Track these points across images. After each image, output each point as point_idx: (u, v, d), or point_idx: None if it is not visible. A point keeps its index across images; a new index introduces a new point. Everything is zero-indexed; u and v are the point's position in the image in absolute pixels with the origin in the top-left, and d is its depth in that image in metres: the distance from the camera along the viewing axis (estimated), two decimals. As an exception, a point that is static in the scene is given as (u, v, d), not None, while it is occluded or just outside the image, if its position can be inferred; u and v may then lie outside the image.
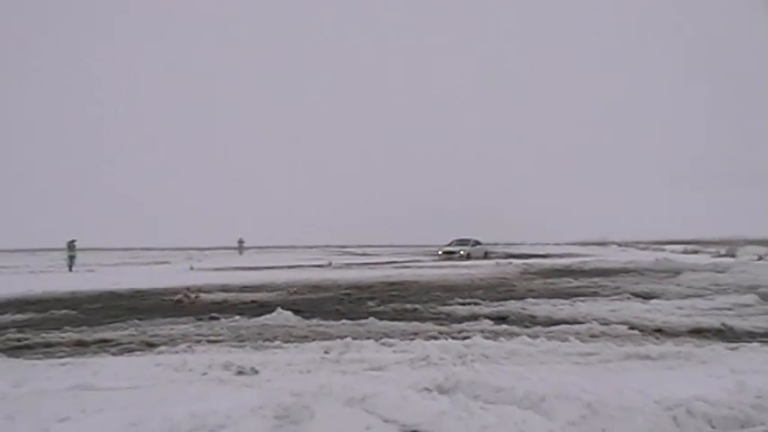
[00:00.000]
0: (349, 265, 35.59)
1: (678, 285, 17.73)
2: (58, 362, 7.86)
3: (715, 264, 26.69)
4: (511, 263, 35.03)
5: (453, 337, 9.14)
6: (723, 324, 10.34)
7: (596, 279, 21.10)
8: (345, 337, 9.06)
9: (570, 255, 50.04)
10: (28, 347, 9.51)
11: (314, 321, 11.31)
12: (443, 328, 10.27)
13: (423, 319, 11.59)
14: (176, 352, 8.51)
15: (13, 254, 77.55)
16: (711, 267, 23.91)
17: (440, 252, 46.14)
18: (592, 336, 9.42)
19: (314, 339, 9.44)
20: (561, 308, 12.99)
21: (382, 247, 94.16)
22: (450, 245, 46.59)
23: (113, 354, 8.74)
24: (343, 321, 11.17)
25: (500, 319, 11.55)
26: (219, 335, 10.17)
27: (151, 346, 9.28)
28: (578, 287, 18.38)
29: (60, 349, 9.29)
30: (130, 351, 8.96)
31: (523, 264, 33.03)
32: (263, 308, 13.29)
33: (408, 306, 13.96)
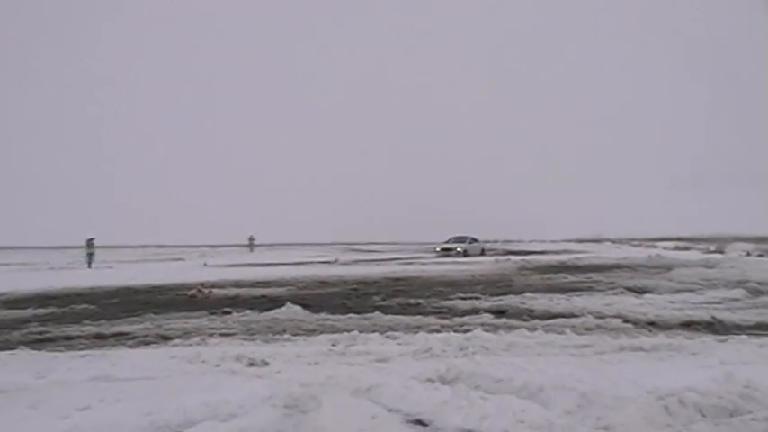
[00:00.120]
0: (355, 262, 35.63)
1: (670, 280, 17.71)
2: (78, 354, 7.88)
3: (705, 260, 26.62)
4: (509, 259, 35.03)
5: (455, 330, 9.14)
6: (713, 317, 10.33)
7: (591, 274, 21.07)
8: (352, 330, 9.08)
9: (566, 251, 50.00)
10: (49, 340, 9.54)
11: (322, 315, 11.33)
12: (445, 322, 10.28)
13: (426, 313, 11.59)
14: (190, 344, 8.52)
15: (31, 251, 77.68)
16: (702, 263, 23.84)
17: (438, 249, 46.01)
18: (587, 329, 9.42)
19: (322, 332, 9.46)
20: (558, 302, 12.99)
21: (387, 245, 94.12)
22: (447, 242, 46.46)
23: (130, 346, 8.77)
24: (350, 315, 11.19)
25: (499, 312, 11.54)
26: (231, 328, 10.18)
27: (166, 338, 9.30)
28: (574, 282, 18.36)
29: (80, 342, 9.32)
30: (146, 344, 8.98)
31: (521, 260, 33.01)
32: (273, 302, 13.30)
33: (412, 301, 13.97)
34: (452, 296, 14.66)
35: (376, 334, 8.84)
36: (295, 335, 9.26)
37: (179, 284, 19.37)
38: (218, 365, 6.88)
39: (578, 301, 13.00)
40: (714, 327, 9.68)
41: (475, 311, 11.58)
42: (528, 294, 14.49)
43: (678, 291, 15.12)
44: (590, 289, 16.05)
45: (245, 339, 9.02)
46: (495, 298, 14.02)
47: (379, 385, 5.66)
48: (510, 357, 6.92)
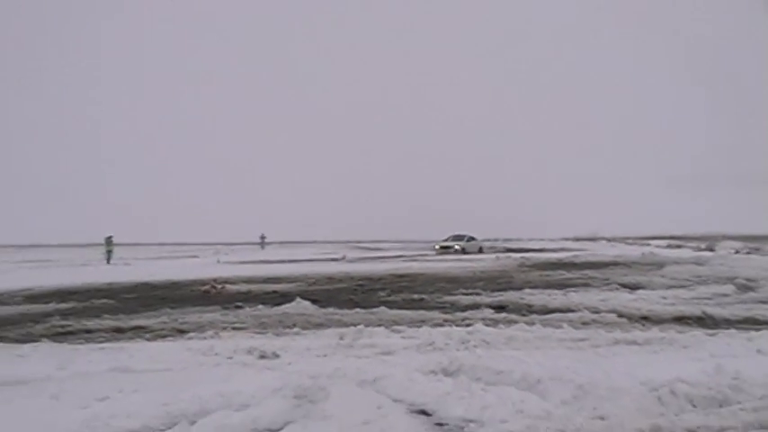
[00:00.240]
0: (361, 259, 35.61)
1: (662, 277, 17.66)
2: (98, 346, 7.91)
3: (696, 257, 26.55)
4: (509, 257, 34.95)
5: (457, 325, 9.13)
6: (703, 312, 10.30)
7: (587, 271, 21.03)
8: (358, 324, 9.07)
9: (563, 249, 49.86)
10: (71, 333, 9.57)
11: (330, 310, 11.32)
12: (448, 316, 10.28)
13: (429, 308, 11.58)
14: (205, 338, 8.53)
15: (52, 249, 77.91)
16: (693, 261, 23.79)
17: (437, 247, 45.92)
18: (583, 323, 9.39)
19: (330, 326, 9.46)
20: (555, 297, 12.97)
21: (392, 243, 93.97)
22: (446, 240, 46.28)
23: (147, 339, 8.78)
24: (357, 310, 11.18)
25: (500, 307, 11.52)
26: (244, 322, 10.20)
27: (182, 332, 9.31)
28: (571, 279, 18.31)
29: (100, 335, 9.35)
30: (163, 337, 9.00)
31: (521, 257, 32.94)
32: (284, 298, 13.30)
33: (416, 296, 13.96)
34: (454, 292, 14.64)
35: (381, 328, 8.83)
36: (304, 329, 9.26)
37: (194, 280, 19.39)
38: (231, 358, 6.89)
39: (575, 297, 12.97)
40: (704, 321, 9.65)
41: (476, 306, 11.57)
42: (527, 290, 14.46)
43: (670, 287, 15.08)
44: (586, 285, 16.01)
45: (256, 333, 9.02)
46: (496, 294, 13.99)
47: (385, 377, 5.68)
48: (509, 351, 6.92)
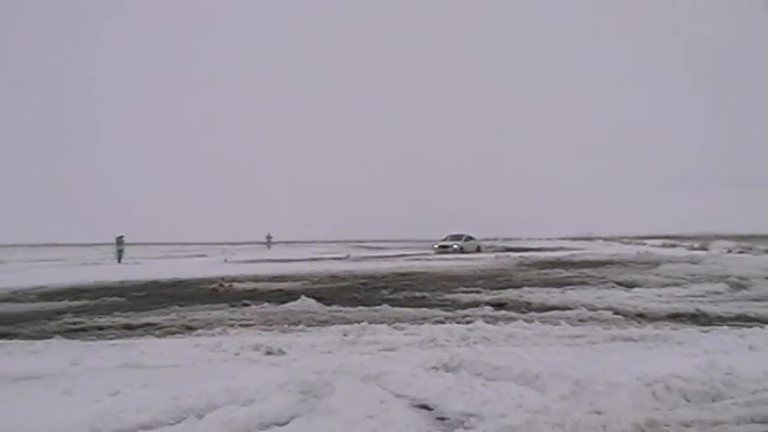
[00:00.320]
0: (364, 258, 35.60)
1: (657, 275, 17.63)
2: (109, 343, 7.92)
3: (690, 256, 26.54)
4: (508, 256, 34.95)
5: (458, 322, 9.13)
6: (697, 309, 10.29)
7: (584, 270, 21.01)
8: (362, 321, 9.08)
9: (561, 248, 49.83)
10: (83, 330, 9.58)
11: (334, 308, 11.32)
12: (449, 314, 10.27)
13: (430, 306, 11.58)
14: (212, 335, 8.54)
15: (65, 248, 78.07)
16: (687, 259, 23.78)
17: (435, 246, 45.91)
18: (580, 320, 9.39)
19: (334, 324, 9.46)
20: (553, 295, 12.96)
21: (394, 242, 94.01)
22: (445, 240, 46.26)
23: (157, 336, 8.79)
24: (360, 308, 11.18)
25: (499, 305, 11.51)
26: (250, 319, 10.20)
27: (190, 329, 9.32)
28: (568, 277, 18.30)
29: (111, 332, 9.35)
30: (172, 334, 9.01)
31: (520, 256, 32.93)
32: (289, 296, 13.31)
33: (417, 294, 13.96)
34: (455, 290, 14.64)
35: (384, 325, 8.83)
36: (309, 326, 9.27)
37: (202, 279, 19.41)
38: (238, 354, 6.90)
39: (572, 295, 12.97)
40: (698, 318, 9.64)
41: (476, 304, 11.56)
42: (526, 288, 14.45)
43: (665, 285, 15.07)
44: (583, 283, 16.00)
45: (263, 330, 9.03)
46: (495, 291, 13.99)
47: (388, 372, 5.68)
48: (509, 347, 6.92)
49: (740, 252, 31.43)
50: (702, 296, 12.67)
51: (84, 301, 13.68)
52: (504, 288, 14.82)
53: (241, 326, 9.44)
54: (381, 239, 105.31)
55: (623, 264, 24.20)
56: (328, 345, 7.43)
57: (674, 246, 46.10)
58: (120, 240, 36.08)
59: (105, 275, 21.72)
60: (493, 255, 36.99)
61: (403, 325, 8.89)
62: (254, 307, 11.75)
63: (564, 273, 20.06)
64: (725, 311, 10.19)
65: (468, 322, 8.80)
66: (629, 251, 35.86)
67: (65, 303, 13.33)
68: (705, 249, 36.36)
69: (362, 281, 18.31)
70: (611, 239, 79.63)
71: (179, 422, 4.37)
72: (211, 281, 17.73)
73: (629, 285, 15.01)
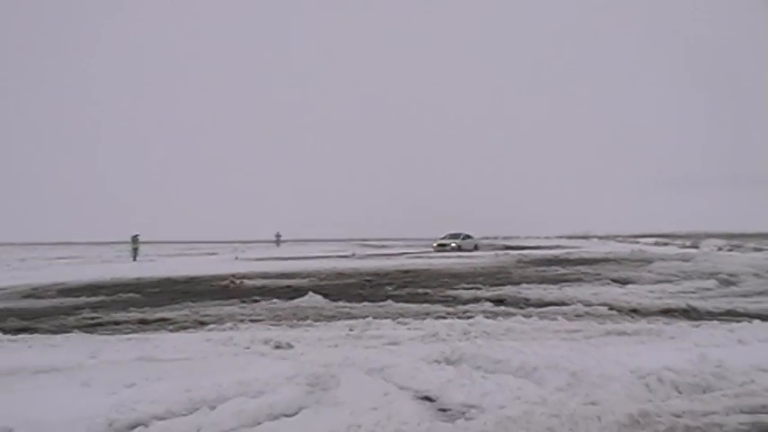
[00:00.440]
0: (369, 256, 35.60)
1: (650, 272, 17.60)
2: (125, 337, 7.93)
3: (681, 254, 26.46)
4: (507, 253, 34.96)
5: (459, 317, 9.13)
6: (688, 305, 10.28)
7: (580, 267, 20.99)
8: (367, 316, 9.09)
9: (558, 247, 49.78)
10: (100, 325, 9.60)
11: (340, 303, 11.33)
12: (450, 309, 10.26)
13: (432, 302, 11.57)
14: (224, 329, 8.55)
15: (83, 246, 78.27)
16: (678, 257, 23.70)
17: (434, 244, 45.95)
18: (577, 315, 9.38)
19: (340, 319, 9.46)
20: (551, 291, 12.95)
21: (397, 240, 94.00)
22: (443, 238, 46.26)
23: (171, 330, 8.80)
24: (365, 303, 11.18)
25: (499, 301, 11.51)
26: (260, 315, 10.21)
27: (202, 324, 9.33)
28: (565, 274, 18.29)
29: (127, 326, 9.37)
30: (185, 328, 9.02)
31: (518, 254, 32.93)
32: (297, 292, 13.32)
33: (420, 291, 13.96)
34: (456, 286, 14.64)
35: (388, 320, 8.84)
36: (316, 321, 9.27)
37: (214, 276, 19.44)
38: (249, 348, 6.90)
39: (569, 291, 12.95)
40: (689, 314, 9.63)
41: (476, 300, 11.56)
42: (524, 285, 14.45)
43: (657, 281, 15.05)
44: (579, 280, 15.98)
45: (272, 325, 9.03)
46: (495, 288, 13.98)
47: (392, 366, 5.68)
48: (508, 341, 6.91)
49: (730, 250, 31.37)
50: (693, 292, 12.65)
51: (100, 297, 13.71)
52: (503, 285, 14.80)
53: (251, 321, 9.45)
54: (385, 238, 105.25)
55: (617, 261, 24.16)
56: (334, 339, 7.44)
57: (666, 244, 46.04)
58: (135, 239, 36.20)
59: (121, 273, 21.77)
60: (492, 253, 36.96)
61: (406, 320, 8.90)
62: (263, 303, 11.77)
63: (561, 270, 20.04)
64: (715, 307, 10.17)
65: (469, 317, 8.80)
66: (623, 249, 35.83)
67: (82, 299, 13.36)
68: (696, 247, 36.30)
69: (367, 278, 18.31)
70: (606, 238, 79.54)
71: (192, 413, 4.37)
72: (222, 278, 17.74)
73: (624, 282, 15.01)
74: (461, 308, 10.42)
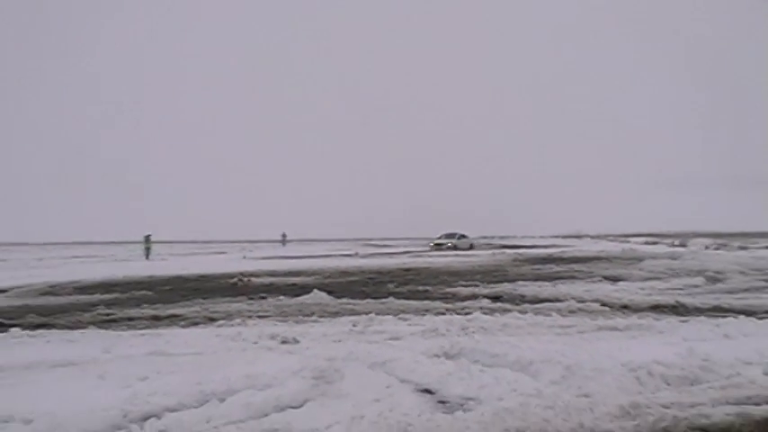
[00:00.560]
0: (372, 255, 35.60)
1: (641, 270, 17.61)
2: (138, 333, 7.94)
3: (670, 253, 26.46)
4: (504, 252, 34.97)
5: (457, 313, 9.12)
6: (677, 301, 10.27)
7: (574, 265, 20.99)
8: (370, 313, 9.08)
9: (553, 246, 49.78)
10: (114, 321, 9.60)
11: (344, 300, 11.32)
12: (449, 306, 10.26)
13: (432, 299, 11.57)
14: (232, 325, 8.54)
15: (98, 246, 78.34)
16: (667, 256, 23.68)
17: (431, 244, 45.97)
18: (570, 311, 9.37)
19: (344, 315, 9.45)
20: (545, 289, 12.94)
21: (399, 240, 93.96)
22: (440, 238, 46.29)
23: (182, 326, 8.79)
24: (368, 300, 11.17)
25: (495, 298, 11.50)
26: (267, 311, 10.21)
27: (212, 320, 9.32)
28: (559, 272, 18.28)
29: (140, 322, 9.36)
30: (195, 324, 9.01)
31: (515, 253, 32.93)
32: (303, 289, 13.31)
33: (421, 288, 13.95)
34: (455, 284, 14.63)
35: (390, 316, 8.83)
36: (321, 317, 9.27)
37: (223, 274, 19.43)
38: (256, 343, 6.91)
39: (563, 288, 12.94)
40: (678, 309, 9.61)
41: (474, 297, 11.55)
42: (520, 282, 14.44)
43: (647, 279, 15.05)
44: (572, 278, 15.98)
45: (278, 321, 9.03)
46: (492, 285, 13.97)
47: (393, 360, 5.69)
48: (504, 336, 6.92)
49: (716, 249, 31.36)
50: (681, 289, 12.65)
51: (115, 295, 13.72)
52: (500, 282, 14.80)
53: (259, 317, 9.45)
54: (387, 237, 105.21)
55: (609, 260, 24.17)
56: (339, 334, 7.44)
57: (655, 243, 46.03)
58: (147, 239, 36.23)
59: (134, 271, 21.78)
60: (490, 251, 36.96)
61: (407, 316, 8.90)
62: (270, 300, 11.76)
63: (555, 268, 20.04)
64: (702, 303, 10.17)
65: (467, 314, 8.79)
66: (614, 248, 35.84)
67: (97, 296, 13.37)
68: (684, 246, 36.31)
69: (370, 276, 18.31)
70: (598, 237, 79.50)
71: (202, 405, 4.38)
72: (231, 276, 17.75)
73: (615, 279, 14.99)
74: (460, 304, 10.42)
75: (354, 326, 8.04)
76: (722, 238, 43.22)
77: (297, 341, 6.89)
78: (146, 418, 4.09)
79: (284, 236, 63.82)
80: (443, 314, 9.12)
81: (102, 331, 8.18)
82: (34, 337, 7.60)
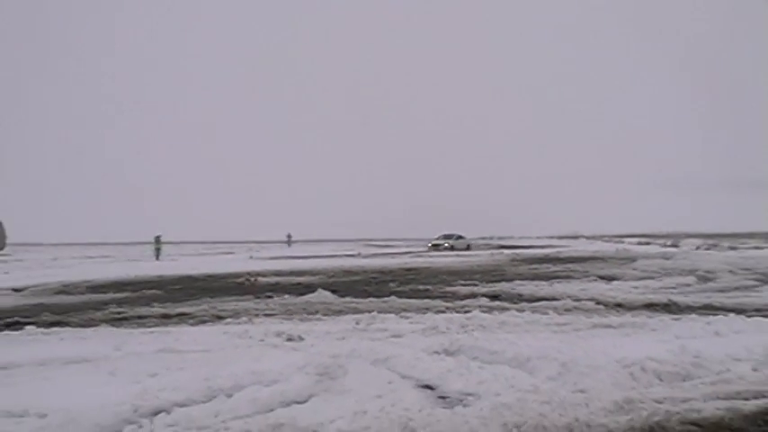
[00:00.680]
0: (374, 255, 35.60)
1: (634, 270, 17.59)
2: (148, 330, 7.94)
3: (663, 253, 26.45)
4: (502, 252, 34.95)
5: (457, 311, 9.11)
6: (669, 300, 10.26)
7: (569, 265, 20.97)
8: (372, 311, 9.07)
9: (549, 246, 49.75)
10: (125, 319, 9.60)
11: (347, 299, 11.32)
12: (449, 304, 10.25)
13: (433, 297, 11.56)
14: (239, 323, 8.54)
15: (110, 246, 78.40)
16: (660, 256, 23.69)
17: (429, 245, 45.95)
18: (566, 309, 9.35)
19: (347, 313, 9.45)
20: (542, 288, 12.93)
21: (401, 240, 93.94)
22: (437, 239, 46.27)
23: (190, 324, 8.80)
24: (371, 299, 11.17)
25: (494, 296, 11.49)
26: (273, 309, 10.21)
27: (220, 318, 9.32)
28: (555, 271, 18.27)
29: (150, 320, 9.37)
30: (204, 322, 9.01)
31: (512, 253, 32.93)
32: (307, 288, 13.31)
33: (421, 287, 13.95)
34: (455, 283, 14.62)
35: (392, 314, 8.82)
36: (325, 315, 9.27)
37: (230, 274, 19.45)
38: (263, 340, 6.90)
39: (559, 287, 12.94)
40: (670, 308, 9.60)
41: (473, 296, 11.54)
42: (518, 281, 14.43)
43: (641, 278, 15.03)
44: (568, 277, 15.96)
45: (284, 319, 9.03)
46: (491, 284, 13.97)
47: (395, 356, 5.68)
48: (503, 334, 6.90)
49: (707, 249, 31.35)
50: (674, 288, 12.64)
51: (126, 294, 13.72)
52: (498, 281, 14.79)
53: (265, 315, 9.45)
54: (387, 238, 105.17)
55: (604, 259, 24.17)
56: (342, 332, 7.43)
57: (648, 243, 45.98)
58: (157, 239, 36.26)
59: (144, 271, 21.79)
60: (488, 252, 36.94)
61: (408, 314, 8.89)
62: (276, 298, 11.76)
63: (552, 267, 20.03)
64: (694, 301, 10.16)
65: (467, 312, 8.78)
66: (609, 248, 35.83)
67: (109, 295, 13.38)
68: (676, 246, 36.28)
69: (372, 275, 18.31)
70: (594, 238, 79.45)
71: (210, 400, 4.39)
72: (238, 275, 17.78)
73: (610, 278, 14.98)
74: (459, 303, 10.41)
75: (357, 324, 8.04)
76: (713, 239, 43.19)
77: (302, 338, 6.89)
78: (155, 413, 4.09)
79: (289, 236, 63.86)
80: (443, 312, 9.12)
81: (114, 329, 8.19)
82: (48, 335, 7.61)
